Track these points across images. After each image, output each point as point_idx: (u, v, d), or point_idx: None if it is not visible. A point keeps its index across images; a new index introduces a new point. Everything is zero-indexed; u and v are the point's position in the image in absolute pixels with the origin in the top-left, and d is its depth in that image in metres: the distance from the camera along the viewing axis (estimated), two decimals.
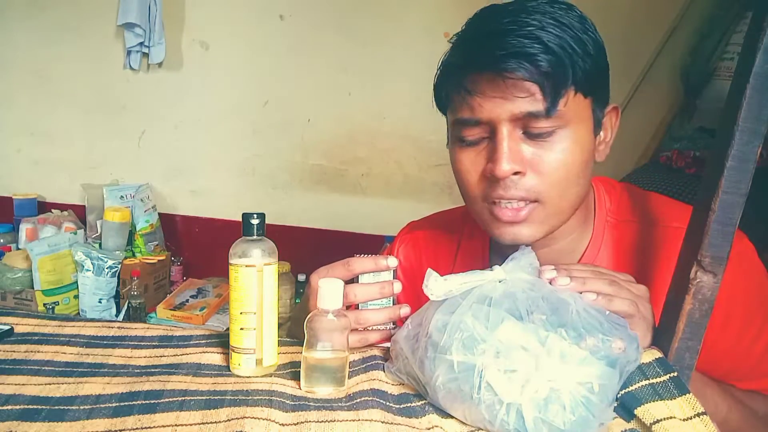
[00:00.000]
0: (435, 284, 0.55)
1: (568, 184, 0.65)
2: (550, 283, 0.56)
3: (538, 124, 0.62)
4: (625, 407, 0.53)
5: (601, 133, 0.70)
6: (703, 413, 0.50)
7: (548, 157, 0.63)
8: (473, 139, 0.67)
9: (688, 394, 0.52)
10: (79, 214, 2.18)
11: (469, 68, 0.64)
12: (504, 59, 0.60)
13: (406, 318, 0.66)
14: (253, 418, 0.50)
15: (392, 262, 0.68)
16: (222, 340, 0.68)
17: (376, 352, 0.67)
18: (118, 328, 0.71)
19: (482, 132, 0.66)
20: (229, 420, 0.50)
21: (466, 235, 0.86)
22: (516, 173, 0.64)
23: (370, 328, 0.68)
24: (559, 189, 0.65)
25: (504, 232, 0.67)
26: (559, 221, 0.68)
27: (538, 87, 0.60)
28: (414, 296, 0.88)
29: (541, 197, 0.65)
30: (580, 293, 0.55)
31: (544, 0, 0.63)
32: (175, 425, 0.50)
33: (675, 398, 0.52)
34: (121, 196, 2.11)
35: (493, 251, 0.84)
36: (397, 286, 0.68)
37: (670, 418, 0.50)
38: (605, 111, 0.69)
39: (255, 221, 0.61)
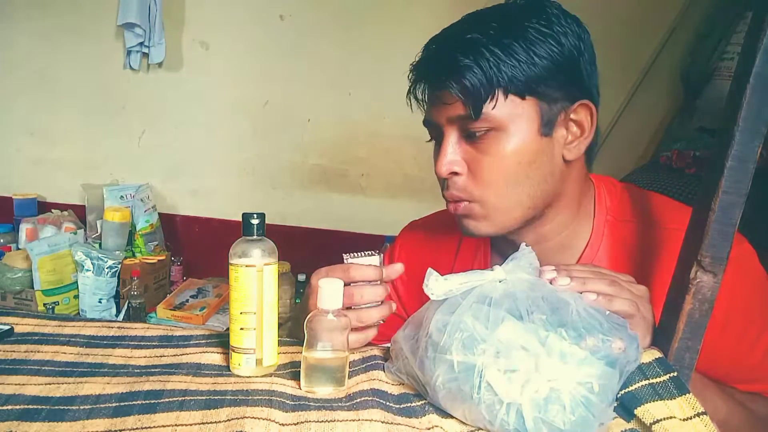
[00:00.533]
0: (435, 284, 0.55)
1: (505, 184, 0.68)
2: (551, 283, 0.56)
3: (471, 126, 0.66)
4: (625, 407, 0.53)
5: (565, 132, 0.69)
6: (703, 413, 0.50)
7: (482, 159, 0.68)
8: (433, 138, 0.74)
9: (687, 394, 0.52)
10: (79, 214, 2.18)
11: (417, 77, 0.72)
12: (434, 73, 0.68)
13: (395, 312, 0.69)
14: (253, 418, 0.50)
15: (399, 268, 0.70)
16: (222, 340, 0.68)
17: (376, 352, 0.67)
18: (118, 328, 0.71)
19: (437, 133, 0.72)
20: (229, 420, 0.50)
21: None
22: (454, 173, 0.69)
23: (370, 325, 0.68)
24: (494, 189, 0.68)
25: (459, 225, 0.73)
26: (509, 219, 0.70)
27: (459, 97, 0.65)
28: (415, 295, 0.88)
29: (475, 197, 0.69)
30: (581, 293, 0.55)
31: (515, 3, 0.68)
32: (175, 425, 0.50)
33: (675, 398, 0.52)
34: (121, 196, 2.11)
35: (493, 250, 0.84)
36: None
37: (670, 418, 0.50)
38: (570, 109, 0.68)
39: (255, 221, 0.61)
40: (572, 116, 0.68)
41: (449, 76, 0.65)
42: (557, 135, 0.68)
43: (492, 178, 0.68)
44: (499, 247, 0.82)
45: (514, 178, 0.68)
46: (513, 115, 0.65)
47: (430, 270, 0.56)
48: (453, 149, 0.69)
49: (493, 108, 0.65)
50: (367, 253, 0.70)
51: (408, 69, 0.73)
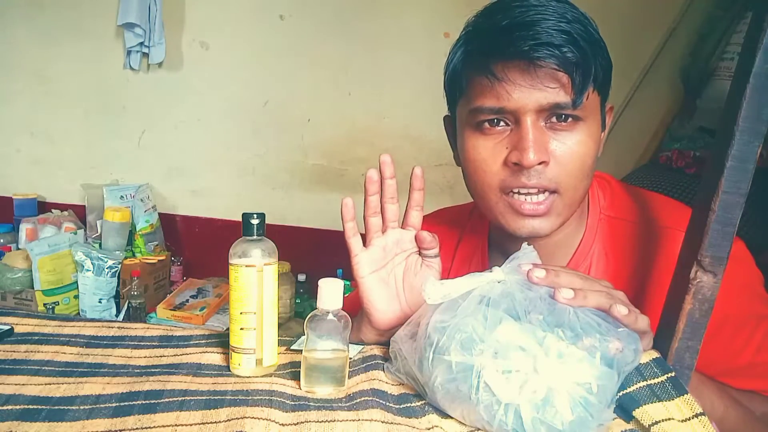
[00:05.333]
0: (432, 289, 0.55)
1: (583, 175, 0.67)
2: (527, 276, 0.55)
3: (564, 114, 0.64)
4: (624, 409, 0.53)
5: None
6: (701, 414, 0.50)
7: (569, 149, 0.65)
8: (494, 127, 0.67)
9: (686, 395, 0.52)
10: (79, 214, 2.18)
11: (497, 55, 0.63)
12: (536, 48, 0.60)
13: None
14: (253, 418, 0.51)
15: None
16: (222, 340, 0.68)
17: (376, 351, 0.67)
18: (118, 328, 0.71)
19: (505, 120, 0.66)
20: (229, 420, 0.50)
21: (468, 230, 0.87)
22: (541, 163, 0.64)
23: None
24: (575, 180, 0.66)
25: (523, 225, 0.68)
26: (571, 213, 0.70)
27: (568, 78, 0.62)
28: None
29: (560, 188, 0.66)
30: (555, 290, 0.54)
31: None
32: (175, 425, 0.50)
33: (673, 399, 0.52)
34: (121, 196, 2.11)
35: (492, 247, 0.84)
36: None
37: (669, 419, 0.50)
38: (606, 109, 0.71)
39: (255, 221, 0.61)
40: (606, 116, 0.71)
41: (559, 55, 0.61)
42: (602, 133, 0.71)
43: (577, 167, 0.65)
44: (498, 243, 0.82)
45: (588, 171, 0.67)
46: (592, 108, 0.66)
47: (427, 275, 0.55)
48: (539, 136, 0.64)
49: (587, 98, 0.63)
50: None
51: (452, 51, 0.69)
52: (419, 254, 0.71)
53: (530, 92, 0.63)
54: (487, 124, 0.67)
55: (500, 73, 0.63)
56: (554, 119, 0.64)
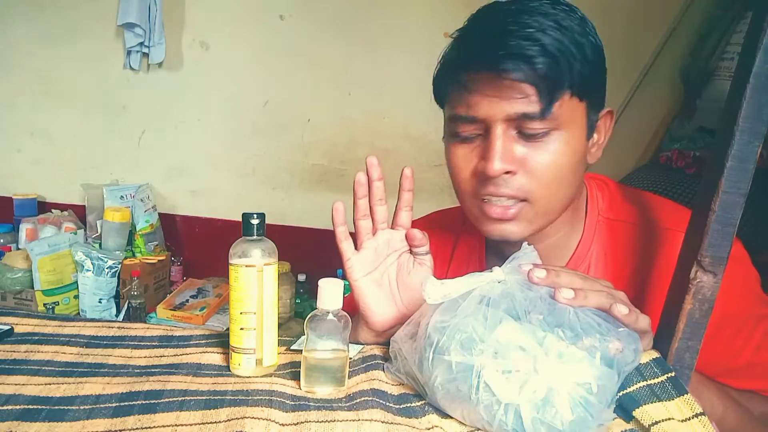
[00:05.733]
0: (432, 289, 0.55)
1: (558, 185, 0.66)
2: (528, 276, 0.55)
3: (532, 125, 0.63)
4: (624, 409, 0.53)
5: (595, 136, 0.70)
6: (701, 414, 0.50)
7: (539, 158, 0.64)
8: (468, 135, 0.67)
9: (686, 395, 0.52)
10: (79, 214, 2.18)
11: (468, 66, 0.64)
12: (502, 60, 0.60)
13: None
14: (253, 418, 0.51)
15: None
16: (222, 340, 0.68)
17: (376, 351, 0.67)
18: (118, 328, 0.71)
19: (477, 129, 0.66)
20: (229, 420, 0.50)
21: (465, 232, 0.87)
22: (507, 172, 0.65)
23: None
24: (548, 189, 0.66)
25: (493, 229, 0.69)
26: (548, 220, 0.69)
27: (534, 89, 0.61)
28: None
29: (530, 197, 0.66)
30: (555, 290, 0.54)
31: (546, 0, 0.64)
32: (175, 425, 0.50)
33: (673, 399, 0.52)
34: (121, 196, 2.11)
35: (489, 248, 0.84)
36: None
37: (669, 419, 0.50)
38: (600, 115, 0.70)
39: (255, 221, 0.61)
40: (599, 122, 0.70)
41: (522, 65, 0.60)
42: (591, 139, 0.69)
43: (549, 177, 0.65)
44: (495, 245, 0.82)
45: (565, 180, 0.66)
46: (571, 116, 0.64)
47: (420, 273, 0.55)
48: (506, 146, 0.64)
49: (560, 107, 0.63)
50: None
51: (438, 61, 0.69)
52: (411, 253, 0.71)
53: (498, 103, 0.63)
54: (462, 132, 0.68)
55: (469, 84, 0.64)
56: (525, 128, 0.64)
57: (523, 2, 0.64)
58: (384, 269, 0.71)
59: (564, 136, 0.64)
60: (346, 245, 0.70)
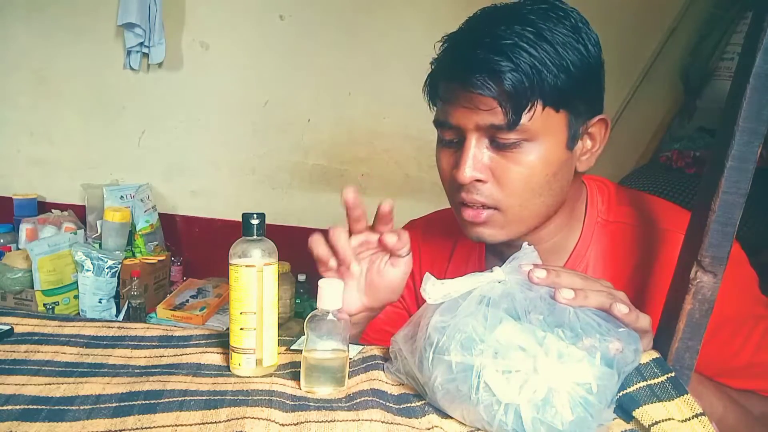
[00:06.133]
0: (432, 288, 0.55)
1: (531, 195, 0.67)
2: (528, 276, 0.55)
3: (503, 136, 0.64)
4: (624, 409, 0.53)
5: (588, 143, 0.70)
6: (701, 414, 0.51)
7: (510, 169, 0.66)
8: (449, 140, 0.69)
9: (686, 395, 0.52)
10: (79, 214, 2.18)
11: (443, 76, 0.67)
12: (470, 74, 0.62)
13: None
14: (253, 418, 0.51)
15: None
16: (222, 340, 0.68)
17: (376, 352, 0.67)
18: (118, 328, 0.71)
19: (455, 136, 0.68)
20: (229, 420, 0.50)
21: (464, 233, 0.87)
22: (478, 180, 0.66)
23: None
24: (519, 199, 0.67)
25: (469, 231, 0.71)
26: (524, 227, 0.70)
27: (497, 103, 0.62)
28: (414, 292, 0.89)
29: (500, 205, 0.67)
30: (556, 289, 0.54)
31: (539, 6, 0.64)
32: (175, 425, 0.50)
33: (673, 399, 0.52)
34: (121, 196, 2.11)
35: (488, 249, 0.84)
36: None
37: (669, 419, 0.50)
38: (590, 122, 0.69)
39: (255, 221, 0.61)
40: (590, 130, 0.69)
41: (489, 79, 0.61)
42: (576, 148, 0.69)
43: (519, 187, 0.66)
44: (495, 249, 0.82)
45: (539, 190, 0.67)
46: (546, 127, 0.64)
47: (427, 275, 0.55)
48: (477, 155, 0.65)
49: (530, 119, 0.63)
50: None
51: (429, 64, 0.70)
52: (390, 253, 0.70)
53: (468, 113, 0.64)
54: (445, 137, 0.70)
55: (444, 94, 0.67)
56: (498, 139, 0.65)
57: (512, 9, 0.64)
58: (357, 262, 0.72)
59: (537, 147, 0.65)
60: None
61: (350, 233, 0.69)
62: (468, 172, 0.65)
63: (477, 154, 0.66)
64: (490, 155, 0.66)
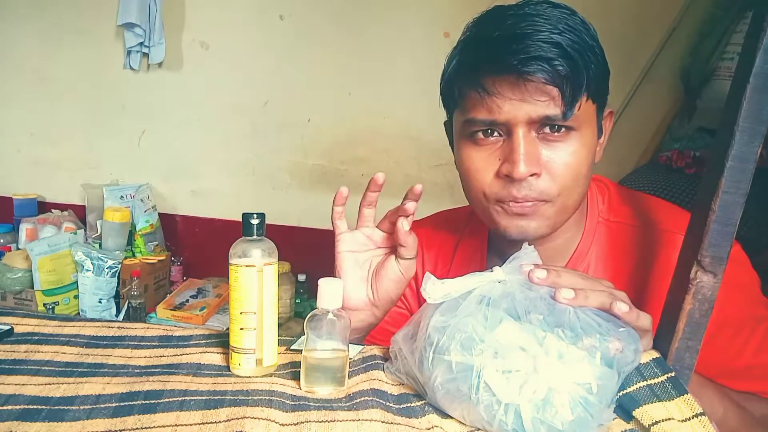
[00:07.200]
0: (433, 288, 0.55)
1: (576, 184, 0.67)
2: (528, 276, 0.55)
3: (556, 126, 0.64)
4: (624, 409, 0.53)
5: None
6: (701, 414, 0.50)
7: (561, 159, 0.65)
8: (487, 138, 0.67)
9: (686, 395, 0.52)
10: (79, 214, 2.18)
11: (487, 69, 0.64)
12: (525, 62, 0.61)
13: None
14: (253, 418, 0.51)
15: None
16: (222, 340, 0.68)
17: (376, 351, 0.67)
18: (118, 328, 0.71)
19: (497, 132, 0.67)
20: (229, 420, 0.50)
21: (467, 234, 0.87)
22: (532, 174, 0.65)
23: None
24: (567, 189, 0.67)
25: (511, 225, 0.69)
26: (563, 219, 0.70)
27: (558, 91, 0.62)
28: (415, 293, 0.89)
29: (552, 197, 0.67)
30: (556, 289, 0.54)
31: (548, 5, 0.64)
32: (175, 425, 0.50)
33: (673, 399, 0.52)
34: (121, 196, 2.11)
35: (491, 250, 0.84)
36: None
37: (669, 419, 0.50)
38: (604, 115, 0.71)
39: (255, 221, 0.61)
40: (603, 122, 0.71)
41: (547, 69, 0.61)
42: (599, 140, 0.71)
43: (570, 178, 0.66)
44: (497, 247, 0.82)
45: (582, 179, 0.68)
46: (587, 117, 0.66)
47: (427, 275, 0.55)
48: (530, 149, 0.65)
49: (579, 108, 0.64)
50: None
51: (445, 65, 0.70)
52: (396, 254, 0.71)
53: (520, 105, 0.63)
54: (480, 135, 0.68)
55: (490, 87, 0.64)
56: (546, 130, 0.65)
57: (530, 6, 0.64)
58: (369, 256, 0.73)
59: (581, 137, 0.66)
60: (340, 223, 0.74)
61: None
62: (523, 167, 0.64)
63: (529, 148, 0.64)
64: (540, 148, 0.65)
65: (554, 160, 0.65)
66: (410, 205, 0.69)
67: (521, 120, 0.64)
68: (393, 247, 0.72)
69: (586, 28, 0.64)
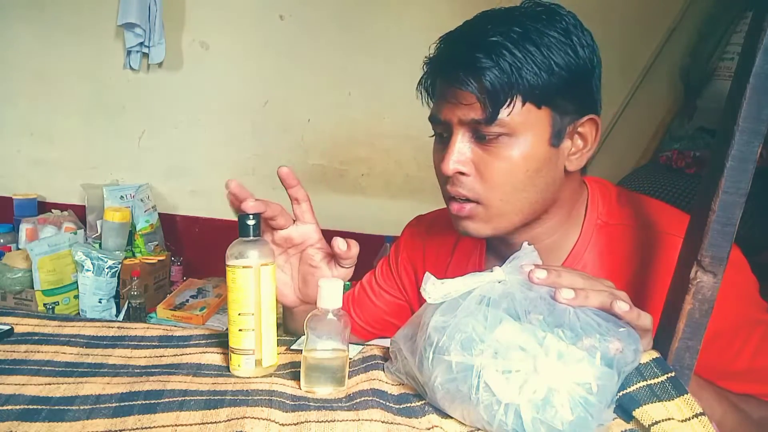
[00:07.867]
0: (432, 288, 0.55)
1: (512, 189, 0.68)
2: (528, 276, 0.55)
3: (483, 130, 0.66)
4: (624, 409, 0.53)
5: (579, 143, 0.70)
6: (701, 414, 0.51)
7: (491, 163, 0.67)
8: (439, 135, 0.73)
9: (686, 395, 0.52)
10: (79, 214, 2.18)
11: (433, 73, 0.71)
12: (453, 70, 0.66)
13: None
14: (253, 418, 0.51)
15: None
16: (222, 340, 0.68)
17: (376, 351, 0.67)
18: (118, 328, 0.71)
19: (444, 131, 0.71)
20: (229, 420, 0.50)
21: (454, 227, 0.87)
22: (461, 173, 0.68)
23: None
24: (500, 193, 0.68)
25: (456, 225, 0.74)
26: (507, 222, 0.71)
27: (476, 98, 0.64)
28: (415, 286, 0.89)
29: (481, 199, 0.69)
30: (556, 289, 0.54)
31: (534, 9, 0.66)
32: (175, 425, 0.50)
33: (673, 399, 0.52)
34: (121, 196, 2.11)
35: (489, 248, 0.84)
36: None
37: (669, 419, 0.50)
38: (579, 122, 0.69)
39: (251, 222, 0.61)
40: (579, 129, 0.69)
41: (469, 76, 0.64)
42: (563, 146, 0.69)
43: (500, 181, 0.68)
44: (495, 248, 0.82)
45: (520, 185, 0.68)
46: (527, 123, 0.65)
47: (427, 274, 0.55)
48: (462, 149, 0.68)
49: (509, 114, 0.64)
50: None
51: (422, 63, 0.73)
52: (335, 259, 0.71)
53: (452, 108, 0.67)
54: (437, 132, 0.73)
55: (433, 88, 0.72)
56: (478, 133, 0.67)
57: (506, 11, 0.67)
58: (286, 258, 0.74)
59: (517, 141, 0.66)
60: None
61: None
62: (451, 164, 0.68)
63: (461, 148, 0.68)
64: (473, 149, 0.68)
65: (484, 163, 0.67)
66: (294, 192, 0.75)
67: (455, 121, 0.68)
68: (309, 248, 0.73)
69: (565, 36, 0.64)
